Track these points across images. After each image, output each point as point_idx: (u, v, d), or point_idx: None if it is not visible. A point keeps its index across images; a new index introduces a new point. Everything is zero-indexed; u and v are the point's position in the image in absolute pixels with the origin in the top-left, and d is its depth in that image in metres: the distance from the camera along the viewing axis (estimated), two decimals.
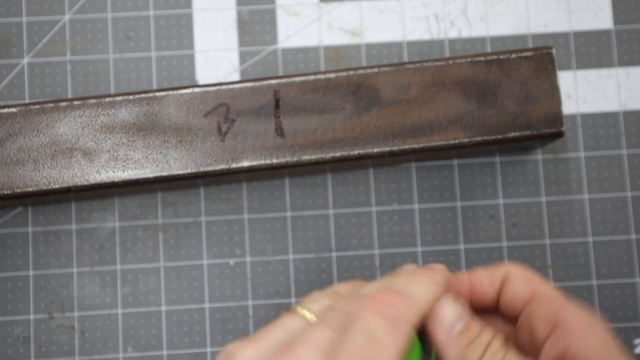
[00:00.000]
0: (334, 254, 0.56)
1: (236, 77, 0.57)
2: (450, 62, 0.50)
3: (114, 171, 0.49)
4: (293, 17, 0.58)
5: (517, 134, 0.50)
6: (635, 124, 0.57)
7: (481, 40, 0.58)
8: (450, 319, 0.39)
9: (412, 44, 0.58)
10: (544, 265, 0.56)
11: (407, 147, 0.50)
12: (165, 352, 0.55)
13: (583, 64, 0.58)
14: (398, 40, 0.58)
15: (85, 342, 0.55)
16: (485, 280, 0.41)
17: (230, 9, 0.58)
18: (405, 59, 0.58)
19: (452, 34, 0.58)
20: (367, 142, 0.50)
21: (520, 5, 0.58)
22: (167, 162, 0.49)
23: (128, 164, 0.49)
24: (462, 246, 0.56)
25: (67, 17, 0.57)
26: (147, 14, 0.57)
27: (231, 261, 0.56)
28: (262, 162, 0.49)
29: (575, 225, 0.57)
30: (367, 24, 0.58)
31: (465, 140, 0.50)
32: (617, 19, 0.58)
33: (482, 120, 0.50)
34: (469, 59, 0.50)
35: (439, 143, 0.50)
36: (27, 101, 0.56)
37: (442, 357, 0.39)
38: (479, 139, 0.50)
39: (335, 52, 0.58)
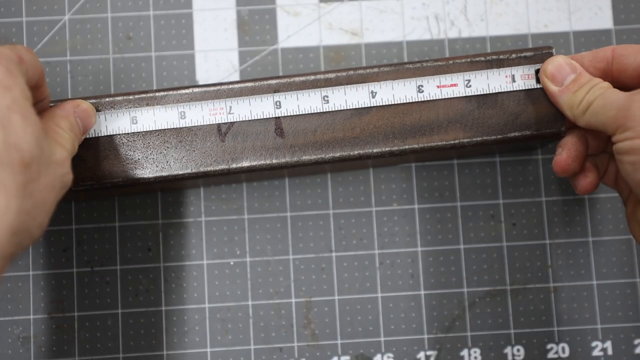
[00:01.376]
0: (334, 254, 0.56)
1: (236, 77, 0.57)
2: (450, 62, 0.50)
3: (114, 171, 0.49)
4: (293, 17, 0.58)
5: (517, 134, 0.50)
6: None
7: (481, 40, 0.58)
8: (560, 74, 0.48)
9: (412, 44, 0.58)
10: (544, 265, 0.56)
11: (407, 147, 0.50)
12: (165, 352, 0.55)
13: None
14: (398, 40, 0.58)
15: (85, 342, 0.55)
16: (586, 61, 0.48)
17: (230, 9, 0.58)
18: (405, 59, 0.58)
19: (452, 34, 0.58)
20: (367, 142, 0.50)
21: (520, 5, 0.58)
22: (167, 162, 0.49)
23: (128, 164, 0.49)
24: (462, 246, 0.56)
25: (67, 17, 0.57)
26: (147, 14, 0.57)
27: (231, 261, 0.56)
28: (262, 162, 0.49)
29: (575, 225, 0.57)
30: (367, 24, 0.58)
31: (465, 140, 0.50)
32: (617, 19, 0.58)
33: (482, 120, 0.50)
34: (469, 59, 0.50)
35: (439, 143, 0.50)
36: None
37: (557, 105, 0.49)
38: (479, 139, 0.50)
39: (335, 52, 0.58)
